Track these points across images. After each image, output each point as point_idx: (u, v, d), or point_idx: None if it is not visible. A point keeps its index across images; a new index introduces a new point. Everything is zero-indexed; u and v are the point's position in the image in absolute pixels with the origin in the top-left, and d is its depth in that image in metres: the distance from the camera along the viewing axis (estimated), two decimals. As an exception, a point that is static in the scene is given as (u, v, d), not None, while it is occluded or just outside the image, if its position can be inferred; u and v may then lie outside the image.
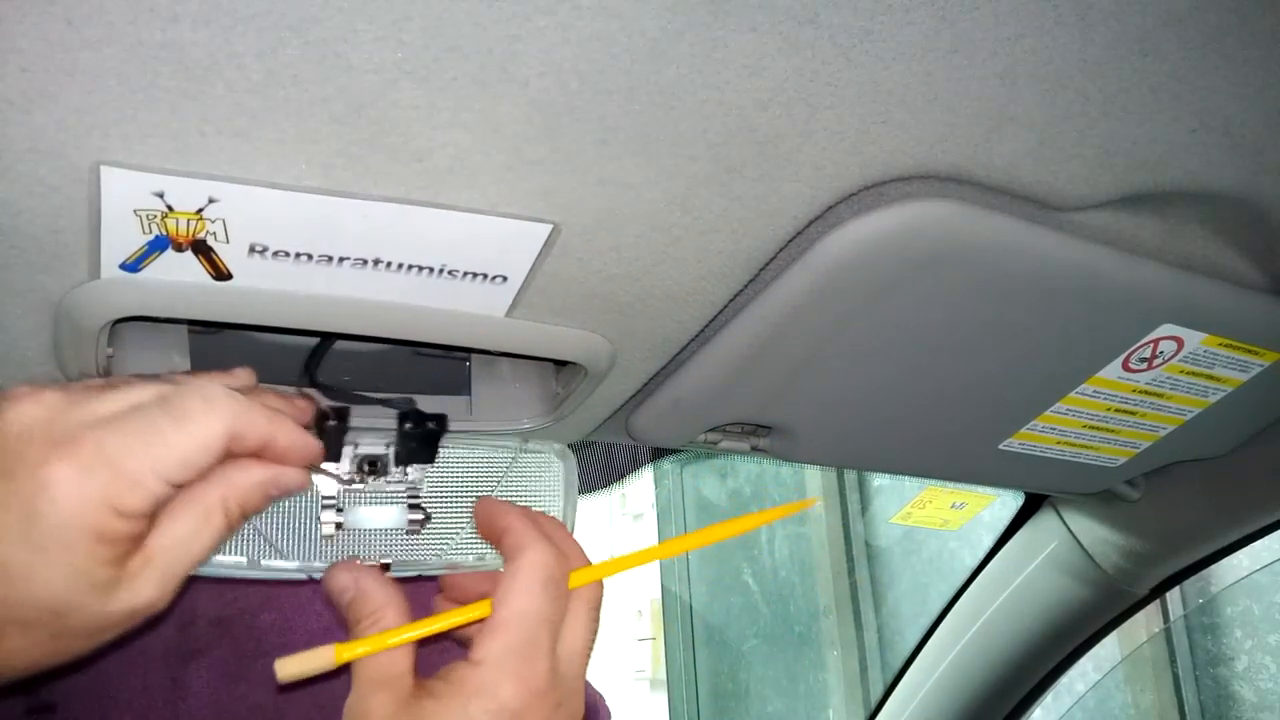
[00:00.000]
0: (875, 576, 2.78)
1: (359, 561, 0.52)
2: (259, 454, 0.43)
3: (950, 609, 1.15)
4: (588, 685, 0.80)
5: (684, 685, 3.35)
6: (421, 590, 0.55)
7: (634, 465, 1.00)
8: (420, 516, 0.54)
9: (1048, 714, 1.81)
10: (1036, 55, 0.42)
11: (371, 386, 0.61)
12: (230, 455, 0.42)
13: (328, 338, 0.57)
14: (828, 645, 2.81)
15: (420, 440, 0.54)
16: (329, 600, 0.49)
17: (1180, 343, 0.65)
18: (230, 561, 0.52)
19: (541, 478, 0.60)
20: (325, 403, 0.52)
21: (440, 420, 0.54)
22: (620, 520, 3.94)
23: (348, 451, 0.54)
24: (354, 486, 0.54)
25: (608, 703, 0.81)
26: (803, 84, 0.41)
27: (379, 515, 0.54)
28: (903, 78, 0.42)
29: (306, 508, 0.54)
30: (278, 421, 0.43)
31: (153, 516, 0.40)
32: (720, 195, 0.46)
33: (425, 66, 0.37)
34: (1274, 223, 0.56)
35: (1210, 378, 0.71)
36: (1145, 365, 0.67)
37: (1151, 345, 0.65)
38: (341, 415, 0.52)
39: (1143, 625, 1.85)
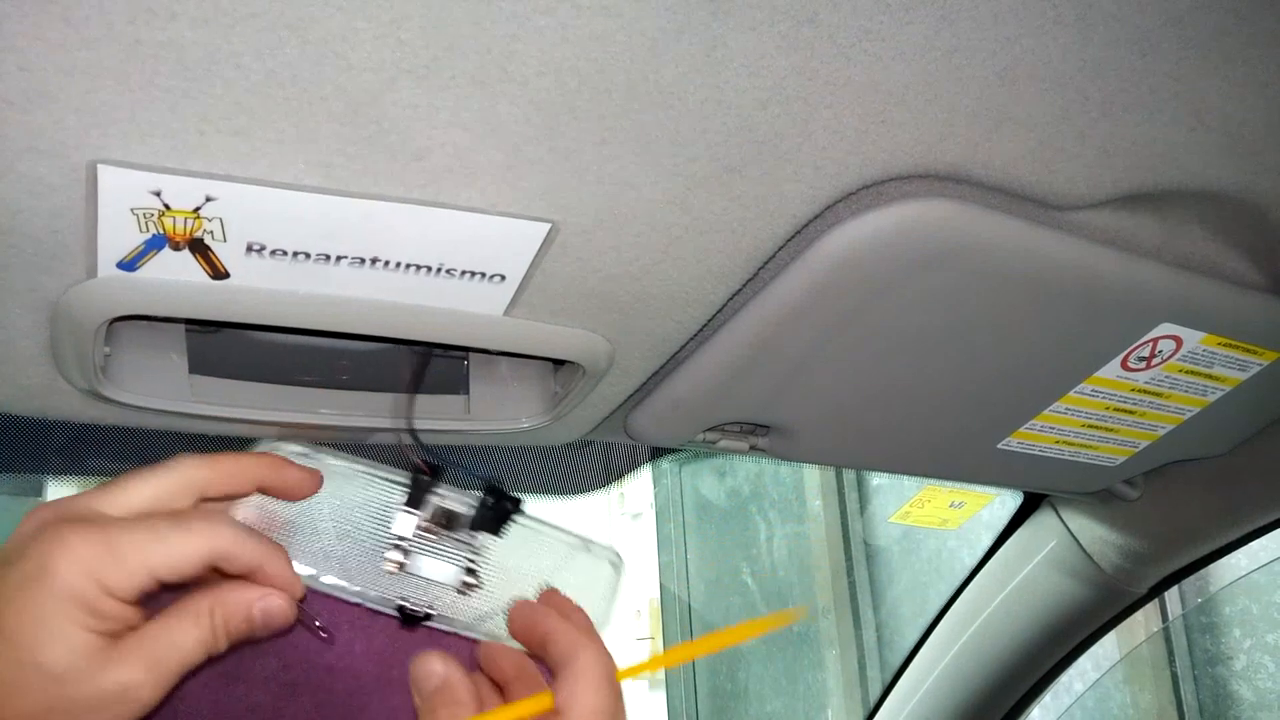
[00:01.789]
0: (874, 576, 2.78)
1: (408, 607, 0.57)
2: (251, 578, 0.48)
3: (949, 608, 1.15)
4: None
5: (683, 685, 3.35)
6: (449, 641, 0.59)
7: (632, 464, 0.99)
8: (473, 581, 0.58)
9: (1046, 713, 1.82)
10: (1036, 55, 0.42)
11: (371, 386, 0.61)
12: (223, 575, 0.47)
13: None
14: (826, 645, 2.82)
15: (493, 515, 0.59)
16: (413, 681, 0.53)
17: (1179, 342, 0.65)
18: (302, 572, 0.56)
19: (592, 579, 0.63)
20: (424, 457, 0.58)
21: (516, 503, 0.59)
22: (619, 520, 3.94)
23: (432, 500, 0.58)
24: (425, 535, 0.58)
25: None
26: (802, 83, 0.41)
27: (438, 569, 0.58)
28: (902, 77, 0.42)
29: (377, 541, 0.57)
30: (269, 554, 0.48)
31: (145, 611, 0.45)
32: (719, 194, 0.46)
33: (424, 65, 0.37)
34: (1273, 222, 0.56)
35: (1209, 377, 0.71)
36: (1144, 364, 0.67)
37: (1150, 344, 0.65)
38: (435, 472, 0.57)
39: (1141, 624, 1.85)
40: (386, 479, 0.58)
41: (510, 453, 0.91)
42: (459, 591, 0.58)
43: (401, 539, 0.57)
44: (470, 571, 0.58)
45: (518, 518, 0.59)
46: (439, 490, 0.58)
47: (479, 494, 0.59)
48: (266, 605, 0.48)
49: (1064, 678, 1.16)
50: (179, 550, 0.44)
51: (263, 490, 0.51)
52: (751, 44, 0.39)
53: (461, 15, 0.35)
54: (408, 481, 0.57)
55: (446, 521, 0.58)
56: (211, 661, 0.47)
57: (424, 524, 0.57)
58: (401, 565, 0.57)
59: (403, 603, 0.57)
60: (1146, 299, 0.60)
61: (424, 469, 0.57)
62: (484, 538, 0.59)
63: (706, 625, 3.33)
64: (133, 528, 0.44)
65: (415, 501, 0.57)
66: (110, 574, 0.42)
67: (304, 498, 0.53)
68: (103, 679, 0.41)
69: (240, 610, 0.47)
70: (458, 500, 0.58)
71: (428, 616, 0.58)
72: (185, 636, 0.44)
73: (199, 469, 0.48)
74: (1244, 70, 0.45)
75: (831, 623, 2.79)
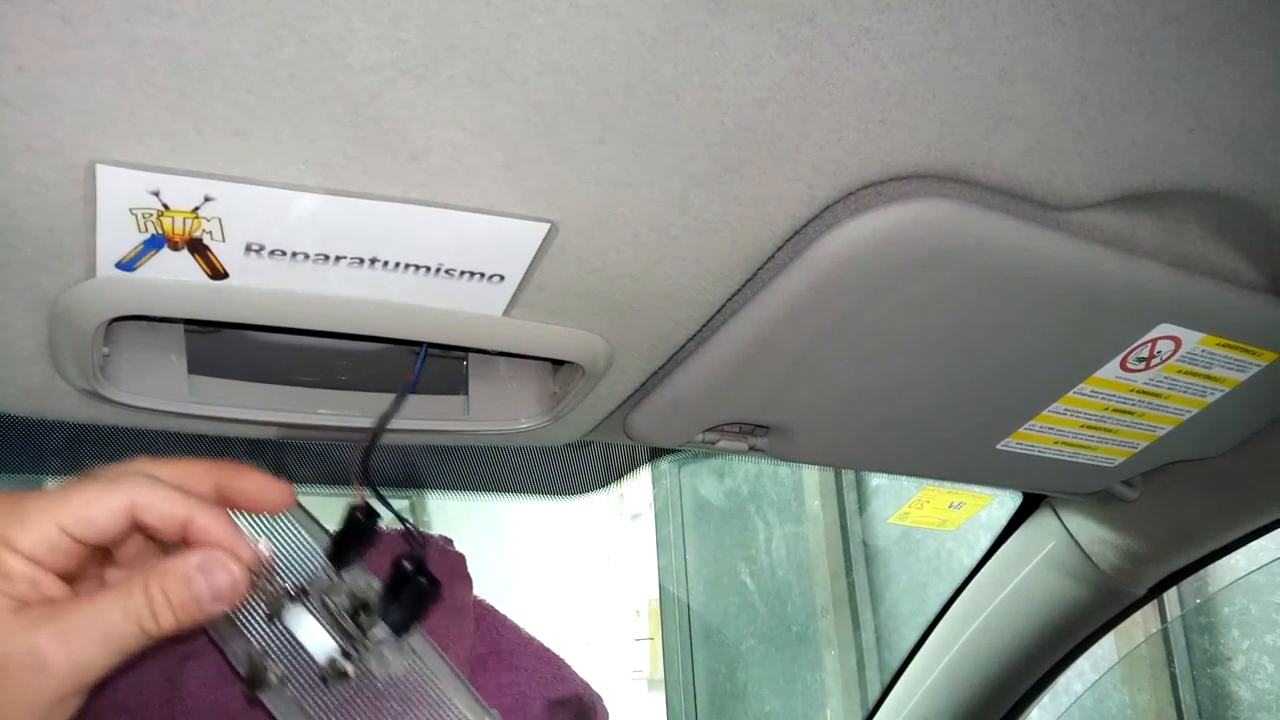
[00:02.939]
0: (873, 576, 2.78)
1: (264, 663, 0.48)
2: (188, 541, 0.43)
3: (948, 609, 1.15)
4: (586, 685, 0.80)
5: (682, 685, 3.35)
6: None
7: (631, 465, 1.00)
8: (345, 670, 0.47)
9: (1045, 714, 1.81)
10: (1035, 55, 0.42)
11: (370, 386, 0.61)
12: (147, 536, 0.44)
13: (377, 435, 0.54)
14: (825, 645, 2.82)
15: (403, 594, 0.49)
16: None
17: (1178, 342, 0.65)
18: None
19: None
20: (366, 498, 0.51)
21: (434, 587, 0.49)
22: (618, 520, 3.94)
23: (357, 574, 0.49)
24: (325, 599, 0.49)
25: (606, 703, 0.81)
26: (801, 83, 0.41)
27: (311, 634, 0.48)
28: (901, 77, 0.42)
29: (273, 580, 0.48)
30: (198, 507, 0.43)
31: (73, 588, 0.42)
32: (718, 194, 0.46)
33: (423, 65, 0.37)
34: (1273, 223, 0.56)
35: (1208, 377, 0.71)
36: (1143, 365, 0.67)
37: (1149, 345, 0.65)
38: (371, 515, 0.50)
39: (1140, 625, 1.85)
40: (317, 525, 0.50)
41: (510, 453, 0.91)
42: (322, 676, 0.48)
43: (296, 589, 0.48)
44: (345, 658, 0.47)
45: (429, 651, 0.49)
46: (359, 565, 0.50)
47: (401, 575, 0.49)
48: (207, 565, 0.42)
49: (1062, 678, 1.16)
50: (89, 502, 0.41)
51: (223, 497, 0.46)
52: (750, 43, 0.39)
53: (460, 15, 0.35)
54: (333, 534, 0.50)
55: (362, 607, 0.49)
56: (186, 639, 0.43)
57: (332, 584, 0.49)
58: (278, 616, 0.48)
59: (261, 657, 0.48)
60: (1145, 299, 0.60)
61: (360, 510, 0.49)
62: (387, 640, 0.49)
63: (705, 625, 3.33)
64: (44, 491, 0.41)
65: (339, 551, 0.49)
66: (14, 529, 0.40)
67: (271, 510, 0.47)
68: (6, 643, 0.38)
69: (176, 575, 0.42)
70: (371, 584, 0.49)
71: (281, 684, 0.47)
72: (109, 606, 0.40)
73: (155, 470, 0.44)
74: (1244, 70, 0.45)
75: (830, 623, 2.79)
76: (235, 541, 0.44)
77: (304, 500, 0.51)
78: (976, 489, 1.06)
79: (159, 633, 0.41)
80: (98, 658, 0.40)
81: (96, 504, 0.41)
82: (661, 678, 3.44)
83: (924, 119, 0.44)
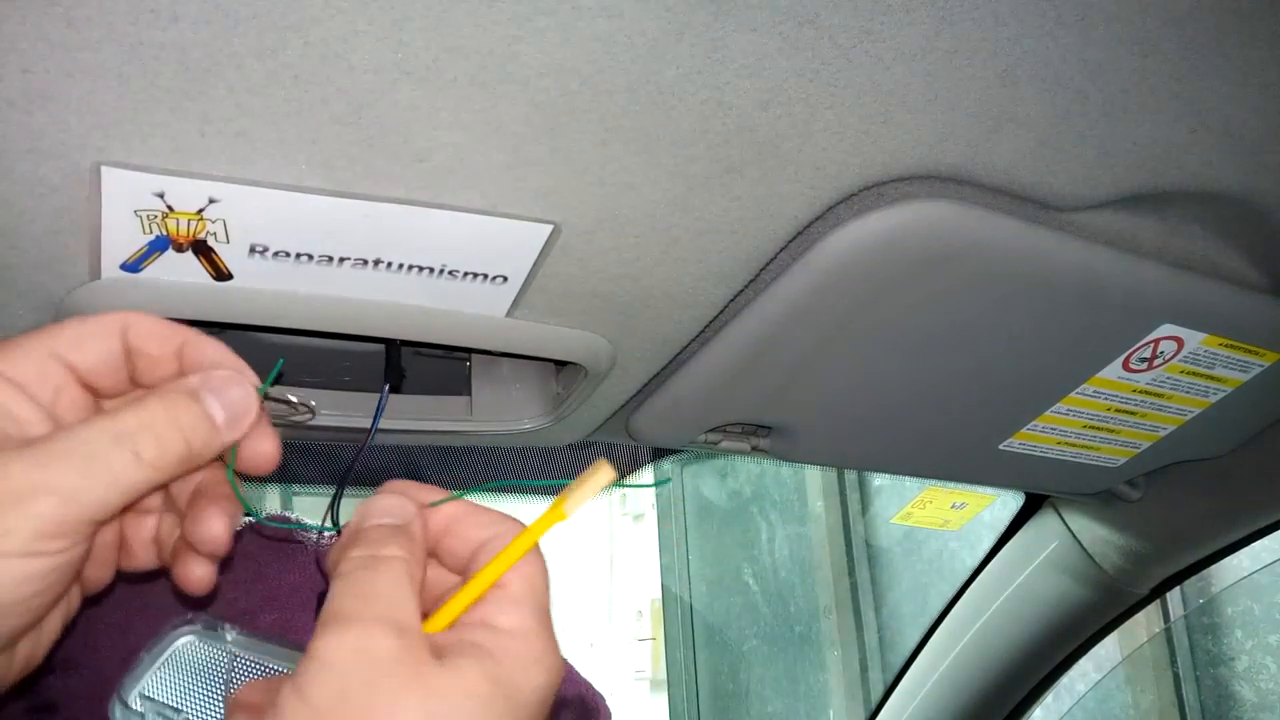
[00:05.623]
0: (876, 577, 2.78)
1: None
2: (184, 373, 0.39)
3: (951, 609, 1.15)
4: (588, 685, 0.80)
5: (684, 686, 3.35)
6: None
7: (634, 465, 1.00)
8: None
9: (1048, 714, 1.81)
10: (1037, 56, 0.42)
11: (373, 387, 0.61)
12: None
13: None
14: (828, 645, 2.81)
15: None
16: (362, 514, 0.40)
17: (1180, 343, 0.65)
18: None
19: None
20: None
21: None
22: (620, 521, 3.94)
23: None
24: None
25: (608, 703, 0.81)
26: (803, 84, 0.41)
27: None
28: (903, 78, 0.42)
29: None
30: (192, 334, 0.39)
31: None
32: (720, 195, 0.46)
33: (425, 67, 0.37)
34: (1274, 223, 0.56)
35: (1210, 378, 0.71)
36: (1145, 365, 0.67)
37: (1152, 345, 0.65)
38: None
39: (1143, 625, 1.85)
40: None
41: (512, 454, 0.92)
42: None
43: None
44: None
45: None
46: None
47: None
48: (213, 382, 0.37)
49: (1065, 678, 1.16)
50: (81, 322, 0.37)
51: (128, 347, 0.39)
52: (752, 45, 0.39)
53: (463, 16, 0.35)
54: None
55: None
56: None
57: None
58: None
59: None
60: (1147, 300, 0.60)
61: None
62: None
63: (708, 626, 3.33)
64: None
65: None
66: (6, 355, 0.36)
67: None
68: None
69: (179, 390, 0.37)
70: None
71: None
72: (90, 429, 0.35)
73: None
74: (1245, 71, 0.45)
75: (833, 623, 2.79)
76: (241, 364, 0.39)
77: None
78: (979, 489, 1.06)
79: (161, 462, 0.36)
80: (84, 486, 0.34)
81: (90, 323, 0.37)
82: (664, 678, 3.43)
83: (926, 120, 0.44)
